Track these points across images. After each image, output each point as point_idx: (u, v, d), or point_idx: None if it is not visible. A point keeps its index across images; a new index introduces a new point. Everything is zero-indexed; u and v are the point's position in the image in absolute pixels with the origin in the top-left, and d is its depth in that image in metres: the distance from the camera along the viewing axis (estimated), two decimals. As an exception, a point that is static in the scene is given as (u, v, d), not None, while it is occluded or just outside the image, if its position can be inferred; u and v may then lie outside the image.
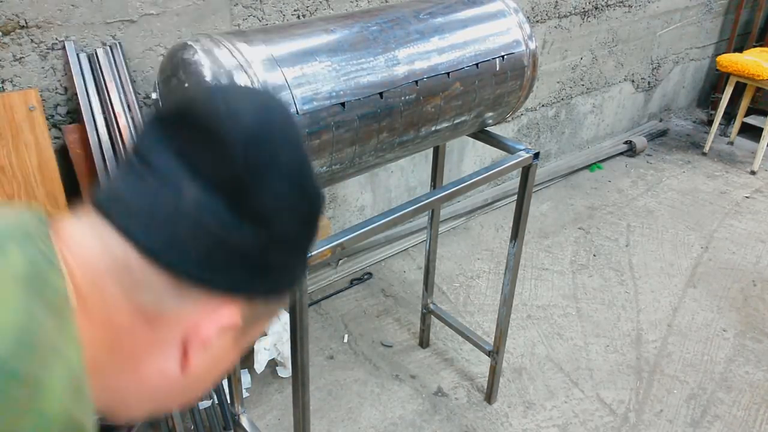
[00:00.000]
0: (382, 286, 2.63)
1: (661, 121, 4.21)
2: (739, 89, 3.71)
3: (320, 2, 2.14)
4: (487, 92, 1.45)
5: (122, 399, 0.51)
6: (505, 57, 1.45)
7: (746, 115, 3.90)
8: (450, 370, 2.24)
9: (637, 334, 2.43)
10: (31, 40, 1.61)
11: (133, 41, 1.78)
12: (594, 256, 2.88)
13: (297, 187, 0.50)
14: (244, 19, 1.98)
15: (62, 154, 1.73)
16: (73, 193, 1.76)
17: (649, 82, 3.88)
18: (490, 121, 1.59)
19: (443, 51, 1.34)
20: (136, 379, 0.50)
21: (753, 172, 3.64)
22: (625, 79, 3.69)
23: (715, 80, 4.28)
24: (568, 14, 3.07)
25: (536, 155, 1.61)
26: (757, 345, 2.39)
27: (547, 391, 2.16)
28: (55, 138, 1.72)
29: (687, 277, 2.76)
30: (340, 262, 2.69)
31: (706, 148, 3.85)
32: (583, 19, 3.17)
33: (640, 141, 3.78)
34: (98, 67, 1.70)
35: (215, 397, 1.86)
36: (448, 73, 1.34)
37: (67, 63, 1.67)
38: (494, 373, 2.04)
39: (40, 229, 0.46)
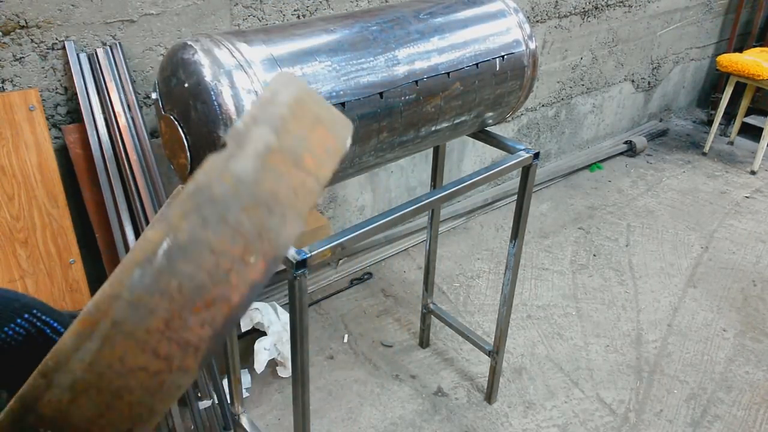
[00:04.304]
0: (382, 286, 2.63)
1: (661, 121, 4.21)
2: (739, 89, 3.71)
3: (320, 2, 2.14)
4: (487, 92, 1.45)
5: None
6: (505, 57, 1.45)
7: (746, 115, 3.90)
8: (450, 370, 2.24)
9: (637, 334, 2.43)
10: (31, 40, 1.61)
11: (133, 41, 1.78)
12: (594, 256, 2.88)
13: None
14: (244, 19, 1.98)
15: (62, 154, 1.73)
16: (73, 193, 1.76)
17: (649, 82, 3.88)
18: (490, 121, 1.59)
19: (443, 51, 1.34)
20: None
21: (753, 172, 3.64)
22: (625, 79, 3.69)
23: (715, 80, 4.28)
24: (568, 14, 3.07)
25: (536, 155, 1.61)
26: (757, 345, 2.39)
27: (547, 391, 2.16)
28: (55, 138, 1.72)
29: (687, 277, 2.76)
30: (340, 262, 2.69)
31: (706, 148, 3.85)
32: (583, 19, 3.17)
33: (640, 141, 3.79)
34: (98, 67, 1.70)
35: (215, 397, 1.86)
36: (448, 73, 1.34)
37: (67, 63, 1.67)
38: (494, 373, 2.04)
39: None
